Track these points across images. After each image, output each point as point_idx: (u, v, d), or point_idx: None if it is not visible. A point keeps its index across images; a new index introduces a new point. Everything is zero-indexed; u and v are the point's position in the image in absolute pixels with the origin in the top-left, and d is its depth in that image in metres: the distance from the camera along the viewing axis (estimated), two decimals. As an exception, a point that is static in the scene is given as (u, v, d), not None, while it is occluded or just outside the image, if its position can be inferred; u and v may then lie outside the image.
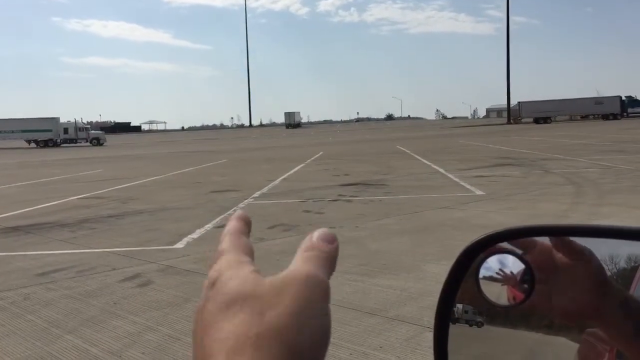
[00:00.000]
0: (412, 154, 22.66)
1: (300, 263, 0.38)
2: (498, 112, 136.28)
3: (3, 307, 5.09)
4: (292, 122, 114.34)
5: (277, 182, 14.19)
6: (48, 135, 57.59)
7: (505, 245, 0.70)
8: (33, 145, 57.68)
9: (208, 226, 8.32)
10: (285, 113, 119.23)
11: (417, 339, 3.89)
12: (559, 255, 0.66)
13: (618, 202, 9.03)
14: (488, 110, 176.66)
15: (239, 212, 0.46)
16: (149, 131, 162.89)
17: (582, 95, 73.96)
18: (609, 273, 0.66)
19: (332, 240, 0.40)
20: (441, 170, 15.38)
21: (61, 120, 59.36)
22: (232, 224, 0.43)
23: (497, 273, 0.68)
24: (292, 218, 8.91)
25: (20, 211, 10.95)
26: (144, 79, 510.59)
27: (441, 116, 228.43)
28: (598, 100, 70.32)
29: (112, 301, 5.10)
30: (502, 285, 0.68)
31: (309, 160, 21.46)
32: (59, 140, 57.48)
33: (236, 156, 27.25)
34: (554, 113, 69.26)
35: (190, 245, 7.20)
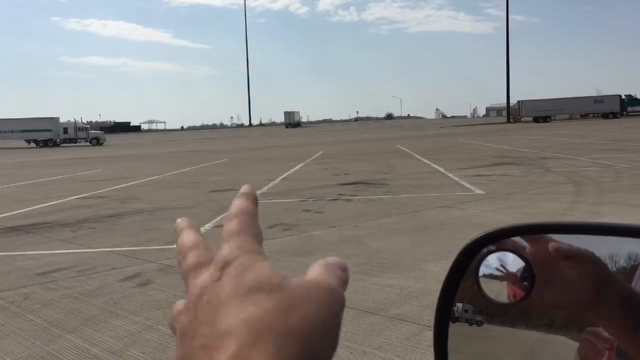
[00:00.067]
0: (412, 153, 22.66)
1: (323, 273, 0.37)
2: (498, 111, 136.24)
3: (3, 307, 5.09)
4: (292, 122, 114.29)
5: (277, 181, 14.19)
6: (47, 135, 57.57)
7: (505, 242, 0.70)
8: (32, 145, 57.66)
9: (208, 225, 8.32)
10: (284, 112, 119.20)
11: (417, 338, 3.89)
12: (558, 253, 0.66)
13: (618, 200, 9.04)
14: (488, 109, 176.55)
15: (247, 188, 0.43)
16: (149, 131, 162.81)
17: (581, 94, 73.99)
18: (609, 269, 0.66)
19: (345, 268, 0.39)
20: (441, 169, 15.38)
21: (61, 120, 59.34)
22: (245, 204, 0.41)
23: (497, 271, 0.68)
24: (292, 217, 8.91)
25: (20, 211, 10.95)
26: (143, 79, 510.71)
27: (441, 115, 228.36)
28: (598, 99, 70.30)
29: (112, 300, 5.10)
30: (502, 282, 0.68)
31: (308, 160, 21.46)
32: (58, 140, 57.46)
33: (236, 155, 27.23)
34: (553, 112, 69.24)
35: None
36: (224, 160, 24.09)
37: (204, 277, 0.37)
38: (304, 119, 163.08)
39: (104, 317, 4.68)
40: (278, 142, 44.87)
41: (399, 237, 7.18)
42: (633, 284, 0.67)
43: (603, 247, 0.66)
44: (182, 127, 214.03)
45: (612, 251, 0.66)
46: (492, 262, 0.69)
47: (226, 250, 0.37)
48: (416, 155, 21.01)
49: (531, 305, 0.68)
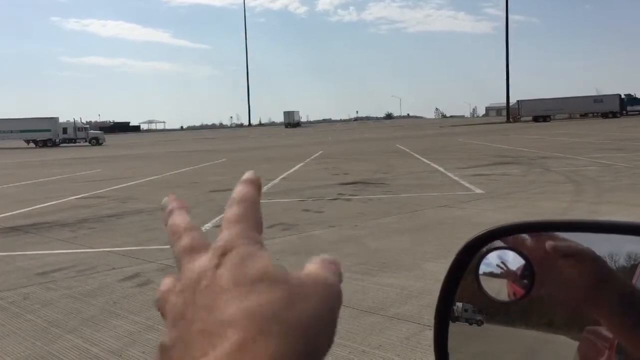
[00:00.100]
0: (412, 152, 22.66)
1: (320, 268, 0.37)
2: (497, 110, 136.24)
3: (3, 307, 5.08)
4: (292, 121, 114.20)
5: (276, 181, 14.18)
6: (47, 135, 57.55)
7: (505, 240, 0.70)
8: (32, 145, 57.64)
9: (208, 225, 8.31)
10: (284, 112, 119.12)
11: (417, 338, 3.89)
12: (556, 251, 0.66)
13: (617, 200, 9.04)
14: (487, 109, 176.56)
15: (250, 174, 0.42)
16: (148, 131, 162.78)
17: (581, 94, 74.01)
18: (609, 266, 0.66)
19: (339, 265, 0.39)
20: (440, 168, 15.38)
21: (60, 120, 59.33)
22: (247, 190, 0.40)
23: (497, 268, 0.68)
24: (292, 217, 8.91)
25: (20, 211, 10.94)
26: (143, 79, 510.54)
27: (440, 115, 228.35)
28: (597, 99, 70.30)
29: (112, 300, 5.10)
30: (502, 280, 0.68)
31: (308, 160, 21.46)
32: (58, 140, 57.45)
33: (235, 155, 27.23)
34: (553, 111, 69.26)
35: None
36: (223, 160, 24.08)
37: (202, 261, 0.36)
38: (303, 119, 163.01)
39: (104, 317, 4.68)
40: (277, 142, 44.85)
41: (398, 236, 7.18)
42: (633, 282, 0.67)
43: (603, 245, 0.66)
44: (182, 127, 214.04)
45: (612, 249, 0.66)
46: (492, 260, 0.69)
47: (226, 236, 0.37)
48: (416, 155, 21.01)
49: (531, 303, 0.68)
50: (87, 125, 64.87)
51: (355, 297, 4.74)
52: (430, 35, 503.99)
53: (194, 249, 0.38)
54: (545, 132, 36.96)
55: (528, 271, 0.66)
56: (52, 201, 12.24)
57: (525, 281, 0.66)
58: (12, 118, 61.71)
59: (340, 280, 0.37)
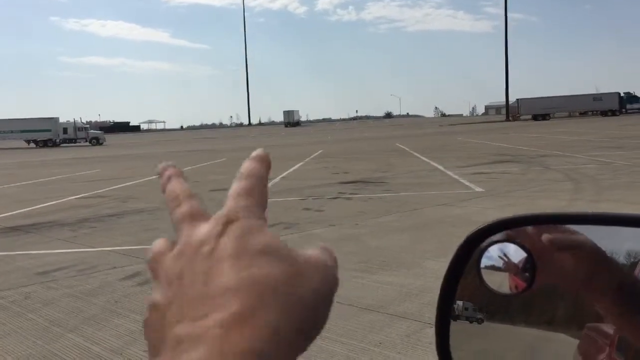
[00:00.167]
0: (411, 151, 22.66)
1: (320, 253, 0.37)
2: (497, 109, 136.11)
3: (4, 306, 5.09)
4: (291, 121, 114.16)
5: (276, 180, 14.18)
6: (47, 135, 57.56)
7: (506, 234, 0.70)
8: (32, 145, 57.63)
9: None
10: (284, 111, 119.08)
11: (418, 335, 3.89)
12: (552, 244, 0.66)
13: (616, 198, 9.05)
14: (487, 108, 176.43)
15: (260, 151, 0.42)
16: (148, 130, 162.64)
17: (581, 92, 73.97)
18: (608, 256, 0.66)
19: (333, 253, 0.40)
20: (440, 167, 15.38)
21: (60, 120, 59.31)
22: (256, 166, 0.40)
23: (499, 262, 0.68)
24: (292, 216, 8.92)
25: (20, 211, 10.94)
26: (142, 79, 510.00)
27: (440, 114, 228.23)
28: (597, 97, 70.28)
29: (113, 299, 5.10)
30: (503, 274, 0.68)
31: (308, 159, 21.46)
32: (58, 140, 57.45)
33: (235, 155, 27.20)
34: (552, 110, 69.24)
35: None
36: (223, 159, 24.09)
37: (205, 228, 0.36)
38: (303, 118, 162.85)
39: (105, 315, 4.68)
40: (277, 141, 44.85)
41: (398, 235, 7.18)
42: (635, 272, 0.67)
43: (603, 241, 0.66)
44: (182, 126, 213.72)
45: (612, 247, 0.66)
46: (493, 253, 0.69)
47: (231, 208, 0.37)
48: (415, 154, 21.01)
49: (532, 297, 0.68)
50: (87, 125, 64.87)
51: (355, 294, 4.75)
52: (429, 34, 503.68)
53: (194, 217, 0.38)
54: (545, 130, 36.95)
55: (530, 264, 0.66)
56: (52, 201, 12.25)
57: (527, 274, 0.66)
58: (12, 118, 61.71)
59: (336, 266, 0.38)
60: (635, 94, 70.74)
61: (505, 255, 0.68)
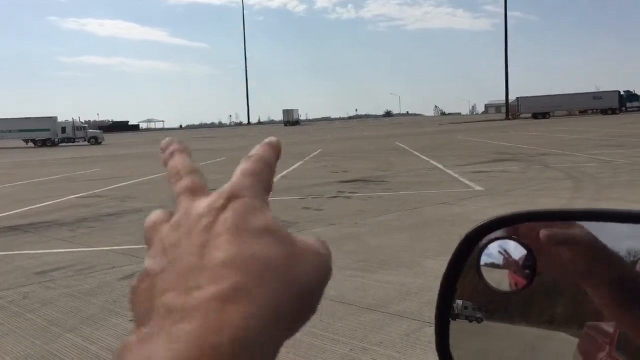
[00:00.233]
0: (411, 150, 22.67)
1: (318, 242, 0.37)
2: (497, 107, 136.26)
3: (2, 306, 5.08)
4: (291, 120, 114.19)
5: (276, 179, 14.14)
6: (46, 135, 57.53)
7: (506, 231, 0.69)
8: (31, 144, 57.61)
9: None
10: (283, 110, 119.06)
11: (417, 334, 3.89)
12: (550, 240, 0.66)
13: (616, 196, 9.05)
14: (486, 106, 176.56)
15: (273, 138, 0.42)
16: (147, 130, 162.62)
17: (581, 90, 74.07)
18: (607, 249, 0.66)
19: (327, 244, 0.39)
20: (440, 166, 15.39)
21: (59, 120, 59.29)
22: (266, 152, 0.40)
23: (499, 259, 0.68)
24: (292, 215, 8.91)
25: (19, 210, 10.94)
26: (141, 78, 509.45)
27: (440, 112, 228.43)
28: (596, 95, 70.38)
29: (112, 299, 5.10)
30: (503, 271, 0.67)
31: (307, 158, 21.47)
32: (56, 140, 57.44)
33: (234, 154, 27.20)
34: (552, 108, 69.31)
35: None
36: (223, 159, 24.09)
37: (205, 201, 0.36)
38: (302, 117, 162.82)
39: (104, 315, 4.68)
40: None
41: (398, 233, 7.18)
42: (637, 268, 0.67)
43: (603, 235, 0.65)
44: (181, 125, 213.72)
45: (612, 238, 0.66)
46: (493, 250, 0.68)
47: (236, 184, 0.37)
48: (415, 153, 21.02)
49: (532, 294, 0.68)
50: (86, 125, 64.96)
51: (355, 294, 4.75)
52: (428, 32, 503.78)
53: (195, 191, 0.38)
54: (545, 128, 36.98)
55: (530, 261, 0.66)
56: (50, 200, 12.24)
57: (527, 271, 0.66)
58: (10, 118, 61.69)
59: (330, 255, 0.38)
60: (635, 93, 70.85)
61: (505, 251, 0.67)
